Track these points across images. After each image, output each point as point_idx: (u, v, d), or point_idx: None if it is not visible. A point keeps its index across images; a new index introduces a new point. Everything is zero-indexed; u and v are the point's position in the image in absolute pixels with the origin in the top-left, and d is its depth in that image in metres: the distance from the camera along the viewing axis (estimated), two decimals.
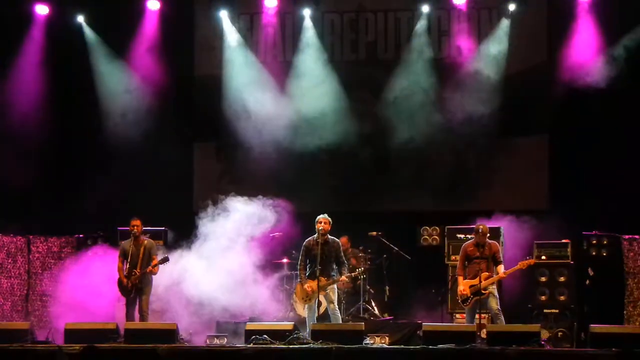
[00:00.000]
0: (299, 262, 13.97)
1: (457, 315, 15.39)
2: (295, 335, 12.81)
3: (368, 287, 15.92)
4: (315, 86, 17.28)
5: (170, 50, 17.52)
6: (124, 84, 17.52)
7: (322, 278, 13.58)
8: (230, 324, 14.84)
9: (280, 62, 17.78)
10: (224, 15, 17.57)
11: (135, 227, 14.45)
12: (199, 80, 17.86)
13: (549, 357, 12.15)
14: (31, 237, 16.28)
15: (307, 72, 17.37)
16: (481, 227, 13.62)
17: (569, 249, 15.31)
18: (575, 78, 16.35)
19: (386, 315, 15.84)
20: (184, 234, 15.23)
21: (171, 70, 17.46)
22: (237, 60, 17.63)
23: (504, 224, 15.40)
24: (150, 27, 17.53)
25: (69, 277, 15.62)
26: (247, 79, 17.56)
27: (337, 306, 13.87)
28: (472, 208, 16.41)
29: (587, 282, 15.50)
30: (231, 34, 17.61)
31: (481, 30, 17.29)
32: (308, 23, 17.47)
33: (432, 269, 16.11)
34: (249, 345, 12.58)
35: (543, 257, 15.28)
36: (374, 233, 16.20)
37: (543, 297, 15.21)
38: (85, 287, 15.33)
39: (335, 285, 13.83)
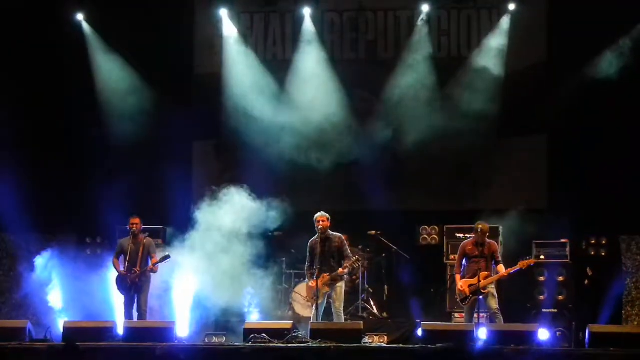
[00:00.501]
0: (306, 263, 13.98)
1: (456, 315, 15.40)
2: (293, 334, 12.81)
3: (367, 286, 15.94)
4: (314, 85, 17.27)
5: (170, 48, 17.51)
6: (123, 82, 17.50)
7: (326, 275, 13.59)
8: (229, 322, 14.84)
9: (280, 60, 17.78)
10: (224, 13, 17.56)
11: (135, 225, 14.47)
12: (198, 78, 17.86)
13: (547, 357, 12.15)
14: (30, 236, 16.26)
15: (307, 71, 17.36)
16: (481, 226, 13.60)
17: (567, 249, 15.33)
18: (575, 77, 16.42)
19: (385, 314, 15.85)
20: (183, 232, 15.22)
21: (171, 68, 17.45)
22: (237, 59, 17.61)
23: (503, 224, 15.41)
24: (149, 25, 17.51)
25: (68, 275, 15.61)
26: (247, 78, 17.54)
27: (342, 307, 13.82)
28: (471, 207, 16.42)
29: (586, 281, 15.53)
30: (231, 33, 17.61)
31: (481, 30, 17.29)
32: (308, 22, 17.47)
33: (431, 268, 16.14)
34: (247, 344, 12.57)
35: (542, 257, 15.31)
36: (373, 232, 16.21)
37: (542, 297, 15.24)
38: (84, 285, 15.32)
39: (342, 285, 13.80)
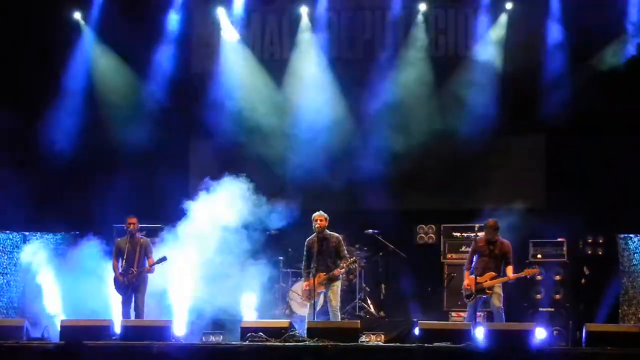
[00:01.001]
0: (303, 262, 13.99)
1: (453, 314, 15.42)
2: (290, 333, 12.80)
3: (364, 285, 15.94)
4: (312, 84, 17.27)
5: (168, 47, 17.49)
6: (119, 80, 17.49)
7: (322, 274, 13.60)
8: (226, 321, 14.83)
9: (277, 60, 17.77)
10: (221, 12, 17.55)
11: (132, 225, 14.47)
12: (195, 77, 17.84)
13: (544, 356, 12.14)
14: (27, 233, 16.25)
15: (304, 70, 17.37)
16: (490, 220, 13.62)
17: (564, 248, 15.35)
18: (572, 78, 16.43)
19: (382, 313, 15.85)
20: (179, 231, 15.20)
21: (168, 67, 17.44)
22: (234, 58, 17.61)
23: (500, 223, 15.37)
24: (148, 24, 17.51)
25: (65, 273, 15.60)
26: (244, 77, 17.55)
27: (338, 306, 13.84)
28: (469, 207, 16.42)
29: (583, 280, 15.54)
30: (228, 32, 17.60)
31: (478, 29, 17.28)
32: (305, 21, 17.46)
33: (428, 267, 16.15)
34: (244, 343, 12.57)
35: (539, 256, 15.31)
36: (370, 231, 16.21)
37: (539, 296, 15.26)
38: (81, 283, 15.31)
39: (339, 284, 13.83)
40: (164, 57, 17.48)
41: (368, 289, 16.02)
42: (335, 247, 13.81)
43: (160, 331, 12.86)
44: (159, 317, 14.67)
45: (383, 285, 16.13)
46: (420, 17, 17.25)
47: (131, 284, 14.33)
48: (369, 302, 15.88)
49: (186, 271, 15.02)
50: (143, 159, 16.97)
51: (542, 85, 16.84)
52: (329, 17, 17.63)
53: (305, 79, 17.37)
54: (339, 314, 13.88)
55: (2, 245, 16.08)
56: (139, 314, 14.29)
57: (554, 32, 16.75)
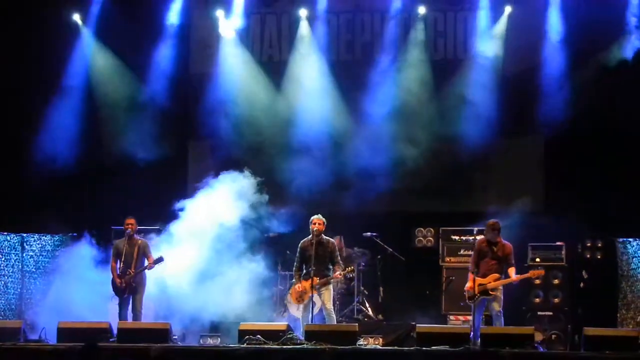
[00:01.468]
0: (295, 264, 13.98)
1: (452, 317, 15.40)
2: (288, 336, 12.79)
3: (362, 288, 15.92)
4: (310, 86, 17.26)
5: (167, 48, 17.48)
6: (117, 81, 17.47)
7: (316, 278, 13.60)
8: (224, 323, 14.80)
9: (275, 61, 17.76)
10: (220, 14, 17.53)
11: (130, 226, 14.46)
12: (194, 78, 17.82)
13: None
14: (24, 235, 16.22)
15: (303, 72, 17.35)
16: (491, 221, 13.62)
17: (563, 252, 15.35)
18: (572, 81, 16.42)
19: (380, 316, 15.83)
20: (177, 232, 15.17)
21: (166, 68, 17.42)
22: (233, 59, 17.60)
23: (499, 225, 15.36)
24: (146, 25, 17.50)
25: (62, 275, 15.57)
26: (243, 78, 17.54)
27: (332, 308, 13.86)
28: (467, 209, 16.40)
29: (581, 284, 15.52)
30: (227, 33, 17.58)
31: (477, 32, 17.27)
32: (304, 23, 17.45)
33: (426, 270, 16.11)
34: (242, 345, 12.56)
35: (537, 260, 15.29)
36: (369, 234, 16.19)
37: (537, 300, 15.24)
38: (79, 285, 15.28)
39: (331, 287, 13.86)
40: (163, 58, 17.47)
41: (366, 292, 16.00)
42: (331, 252, 13.83)
43: (158, 334, 12.85)
44: (157, 320, 14.64)
45: (381, 288, 16.10)
46: (419, 20, 17.23)
47: (129, 286, 14.30)
48: (367, 305, 15.85)
49: (183, 273, 14.99)
50: (141, 161, 16.94)
51: (541, 87, 16.83)
52: (328, 19, 17.61)
53: (303, 81, 17.36)
54: (334, 315, 13.92)
55: (0, 246, 16.05)
56: (136, 316, 14.27)
57: (554, 34, 16.74)
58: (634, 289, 15.24)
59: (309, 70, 17.35)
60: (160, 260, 14.33)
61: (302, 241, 13.99)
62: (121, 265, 14.39)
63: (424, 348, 12.24)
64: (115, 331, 13.12)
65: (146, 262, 14.39)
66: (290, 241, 15.33)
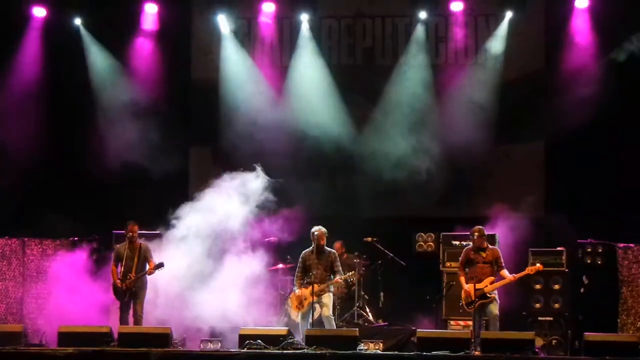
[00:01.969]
0: (295, 273, 14.10)
1: (452, 322, 15.39)
2: (289, 341, 12.81)
3: (362, 293, 15.92)
4: (311, 91, 17.28)
5: (168, 54, 17.51)
6: (120, 87, 17.50)
7: (316, 285, 13.69)
8: (224, 328, 14.80)
9: (277, 66, 17.78)
10: (221, 19, 17.56)
11: (132, 232, 14.43)
12: (195, 84, 17.84)
13: None
14: (26, 239, 16.24)
15: (304, 77, 17.38)
16: (475, 228, 13.70)
17: (563, 257, 15.34)
18: (572, 85, 16.41)
19: (380, 321, 15.83)
20: (178, 238, 15.17)
21: (168, 74, 17.45)
22: (234, 65, 17.63)
23: (500, 231, 15.39)
24: (147, 30, 17.53)
25: (64, 279, 15.58)
26: (244, 84, 17.57)
27: (332, 313, 13.91)
28: (468, 214, 16.39)
29: (582, 290, 15.51)
30: (228, 39, 17.61)
31: (478, 37, 17.30)
32: (305, 28, 17.48)
33: (427, 275, 16.10)
34: (242, 350, 12.57)
35: (538, 265, 15.28)
36: (369, 239, 16.19)
37: (538, 305, 15.23)
38: (80, 290, 15.29)
39: (330, 294, 13.92)
40: (164, 62, 17.49)
41: (367, 297, 16.01)
42: (332, 262, 13.99)
43: (158, 338, 12.86)
44: (158, 324, 14.64)
45: (382, 293, 16.11)
46: (420, 25, 17.25)
47: (129, 290, 14.31)
48: (367, 310, 15.86)
49: (185, 278, 14.99)
50: (142, 165, 16.94)
51: (541, 93, 16.84)
52: (329, 25, 17.63)
53: (305, 85, 17.37)
54: (333, 322, 14.00)
55: (1, 251, 16.06)
56: (137, 321, 14.27)
57: (554, 37, 16.79)
58: (634, 295, 15.23)
59: (310, 75, 17.36)
60: (160, 265, 14.35)
61: (303, 252, 14.16)
62: (122, 269, 14.40)
63: (424, 353, 12.25)
64: (116, 335, 13.11)
65: (147, 267, 14.41)
66: (290, 246, 15.35)
